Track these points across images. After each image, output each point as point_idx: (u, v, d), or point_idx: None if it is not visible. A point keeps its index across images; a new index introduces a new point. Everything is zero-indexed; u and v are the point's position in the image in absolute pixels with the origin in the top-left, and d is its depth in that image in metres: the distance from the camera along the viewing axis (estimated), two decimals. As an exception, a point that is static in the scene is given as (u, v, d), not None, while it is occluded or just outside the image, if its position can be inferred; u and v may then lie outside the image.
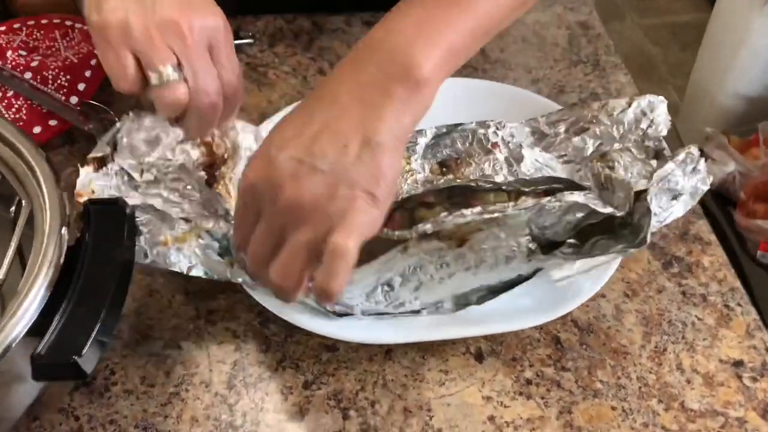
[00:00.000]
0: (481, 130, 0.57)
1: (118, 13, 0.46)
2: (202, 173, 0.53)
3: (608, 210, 0.47)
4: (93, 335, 0.40)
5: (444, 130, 0.57)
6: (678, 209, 0.50)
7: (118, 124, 0.53)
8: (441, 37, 0.43)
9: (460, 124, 0.57)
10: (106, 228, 0.45)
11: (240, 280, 0.50)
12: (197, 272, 0.50)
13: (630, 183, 0.51)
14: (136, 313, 0.53)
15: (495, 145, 0.56)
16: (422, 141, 0.57)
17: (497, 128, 0.57)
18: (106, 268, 0.43)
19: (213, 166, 0.53)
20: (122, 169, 0.51)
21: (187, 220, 0.51)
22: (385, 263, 0.49)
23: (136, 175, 0.51)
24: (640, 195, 0.48)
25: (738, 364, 0.51)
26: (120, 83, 0.47)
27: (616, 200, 0.50)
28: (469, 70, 0.69)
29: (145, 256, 0.49)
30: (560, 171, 0.55)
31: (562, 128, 0.56)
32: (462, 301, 0.51)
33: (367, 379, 0.50)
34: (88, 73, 0.65)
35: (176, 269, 0.49)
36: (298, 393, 0.49)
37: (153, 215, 0.50)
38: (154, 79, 0.46)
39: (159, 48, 0.46)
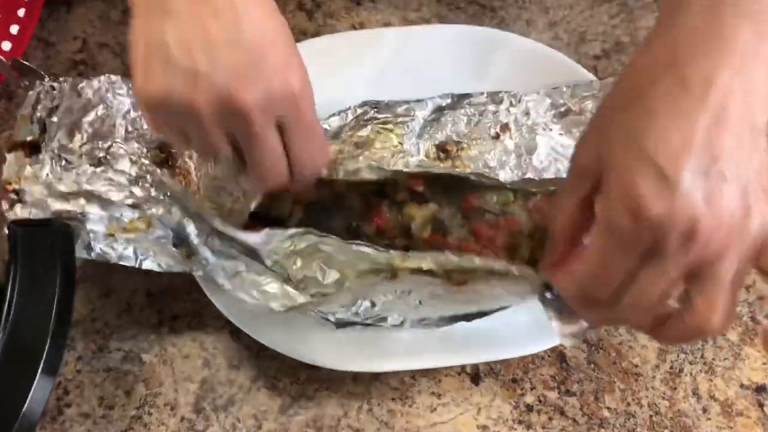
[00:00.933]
0: (491, 106, 0.48)
1: (159, 83, 0.34)
2: (156, 151, 0.46)
3: None
4: (25, 406, 0.34)
5: (448, 101, 0.48)
6: None
7: (33, 92, 0.45)
8: None
9: (467, 96, 0.48)
10: (37, 257, 0.38)
11: (200, 273, 0.43)
12: (149, 265, 0.43)
13: None
14: (91, 319, 0.47)
15: (505, 128, 0.48)
16: (420, 115, 0.48)
17: (511, 103, 0.48)
18: (40, 308, 0.37)
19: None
20: (56, 153, 0.44)
21: (134, 206, 0.44)
22: (370, 287, 0.42)
23: (73, 159, 0.43)
24: None
25: (760, 389, 0.46)
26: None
27: None
28: (476, 8, 0.59)
29: (89, 249, 0.42)
30: None
31: (589, 105, 0.47)
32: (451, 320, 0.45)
33: (351, 403, 0.45)
34: (21, 12, 0.54)
35: (126, 263, 0.43)
36: (273, 419, 0.45)
37: (94, 203, 0.43)
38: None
39: (210, 133, 0.36)
